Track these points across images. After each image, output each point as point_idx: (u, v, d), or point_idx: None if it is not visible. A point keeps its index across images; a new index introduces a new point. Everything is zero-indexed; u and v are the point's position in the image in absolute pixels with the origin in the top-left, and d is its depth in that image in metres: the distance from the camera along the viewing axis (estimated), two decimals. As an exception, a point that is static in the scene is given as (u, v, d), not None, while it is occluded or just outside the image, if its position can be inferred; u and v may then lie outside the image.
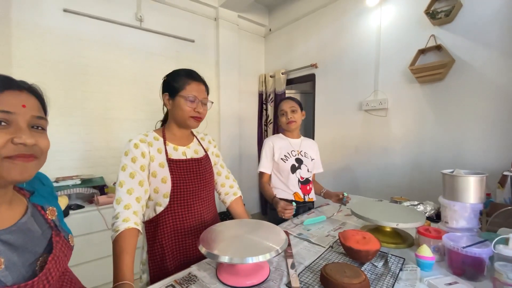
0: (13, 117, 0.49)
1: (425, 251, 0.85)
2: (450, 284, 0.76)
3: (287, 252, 0.96)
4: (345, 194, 1.40)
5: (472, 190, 0.94)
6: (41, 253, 0.58)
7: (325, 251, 0.98)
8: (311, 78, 2.97)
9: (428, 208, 1.33)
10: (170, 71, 1.01)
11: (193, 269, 0.86)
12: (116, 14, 2.30)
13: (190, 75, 0.99)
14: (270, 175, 1.56)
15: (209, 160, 1.10)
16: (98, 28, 2.21)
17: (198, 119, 0.99)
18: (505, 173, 0.86)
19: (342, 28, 2.57)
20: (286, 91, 3.29)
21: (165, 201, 0.93)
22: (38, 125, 0.54)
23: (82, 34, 2.14)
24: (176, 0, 2.67)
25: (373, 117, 2.35)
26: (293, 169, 1.51)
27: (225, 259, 0.72)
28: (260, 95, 3.54)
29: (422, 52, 1.97)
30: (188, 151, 1.03)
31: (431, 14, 1.88)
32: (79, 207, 1.90)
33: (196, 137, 1.13)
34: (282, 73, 3.19)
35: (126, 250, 0.78)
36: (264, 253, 0.73)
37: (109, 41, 2.28)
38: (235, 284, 0.77)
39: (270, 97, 3.40)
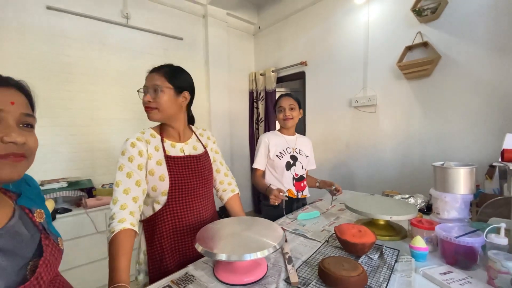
0: (1, 115, 0.47)
1: (419, 242, 0.87)
2: (444, 273, 0.78)
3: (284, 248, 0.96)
4: (333, 186, 1.42)
5: (462, 181, 0.96)
6: (31, 257, 0.55)
7: (321, 245, 0.99)
8: (301, 76, 2.98)
9: (419, 201, 1.36)
10: None
11: (190, 268, 0.85)
12: (102, 11, 2.22)
13: (151, 70, 0.97)
14: (264, 172, 1.55)
15: (208, 156, 1.07)
16: (82, 26, 2.14)
17: (149, 109, 0.91)
18: (494, 163, 0.89)
19: (331, 26, 2.60)
20: (277, 89, 3.30)
21: (163, 199, 0.92)
22: (27, 123, 0.51)
23: (66, 31, 2.06)
24: (163, -3, 2.61)
25: (362, 113, 2.38)
26: (288, 166, 1.51)
27: (222, 256, 0.70)
28: (251, 93, 3.52)
29: (409, 49, 2.01)
30: (186, 148, 1.01)
31: (418, 12, 1.93)
32: (66, 210, 1.83)
33: (194, 133, 1.10)
34: (272, 71, 3.19)
35: (122, 252, 0.75)
36: (261, 250, 0.72)
37: (95, 39, 2.21)
38: (233, 282, 0.76)
39: (261, 95, 3.39)
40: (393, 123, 2.19)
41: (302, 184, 1.54)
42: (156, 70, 0.95)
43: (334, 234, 0.98)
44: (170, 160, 0.93)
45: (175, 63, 1.03)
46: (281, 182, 1.49)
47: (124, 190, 0.83)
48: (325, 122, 2.73)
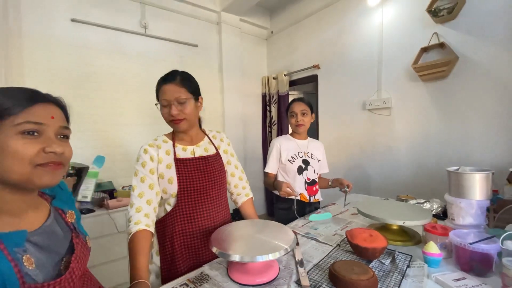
0: (43, 128, 0.53)
1: (432, 248, 0.86)
2: (457, 279, 0.77)
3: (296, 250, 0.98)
4: (346, 187, 1.44)
5: (478, 187, 0.94)
6: (64, 254, 0.61)
7: (332, 249, 1.00)
8: (313, 79, 2.98)
9: (434, 206, 1.34)
10: None
11: (205, 268, 0.89)
12: (122, 22, 2.35)
13: (163, 80, 0.97)
14: (276, 176, 1.58)
15: (220, 158, 1.07)
16: (104, 36, 2.27)
17: (177, 121, 0.94)
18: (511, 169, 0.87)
19: (344, 29, 2.59)
20: (289, 93, 3.31)
21: (173, 201, 0.96)
22: (64, 135, 0.58)
23: (89, 42, 2.20)
24: (179, 6, 2.72)
25: (377, 116, 2.35)
26: (300, 170, 1.53)
27: (236, 257, 0.74)
28: (264, 97, 3.56)
29: (425, 50, 1.97)
30: (197, 150, 1.03)
31: (433, 12, 1.89)
32: (90, 211, 1.94)
33: (207, 135, 1.12)
34: (285, 75, 3.22)
35: (139, 251, 0.81)
36: (273, 252, 0.75)
37: (115, 48, 2.33)
38: (246, 282, 0.79)
39: (274, 99, 3.42)
40: (409, 126, 2.15)
41: (314, 188, 1.55)
42: (172, 81, 0.95)
43: (346, 239, 0.99)
44: (179, 163, 0.96)
45: (190, 70, 1.08)
46: (293, 186, 1.51)
47: (139, 194, 0.90)
48: (338, 125, 2.71)
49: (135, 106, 2.45)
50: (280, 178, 1.56)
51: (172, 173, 0.94)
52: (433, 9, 1.89)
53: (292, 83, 3.29)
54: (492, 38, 1.70)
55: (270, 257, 0.75)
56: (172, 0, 2.66)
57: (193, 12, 2.83)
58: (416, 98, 2.08)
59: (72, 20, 2.11)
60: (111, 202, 1.97)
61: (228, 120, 3.12)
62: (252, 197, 1.21)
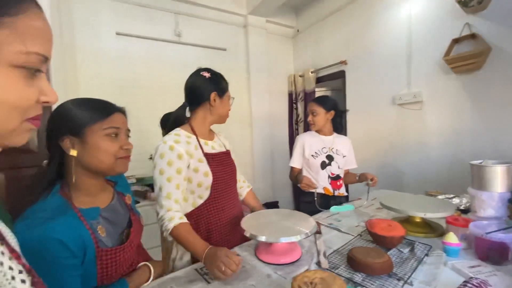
0: (119, 131, 0.73)
1: (451, 238, 0.90)
2: (473, 267, 0.81)
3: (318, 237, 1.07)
4: (370, 180, 1.47)
5: (499, 179, 0.95)
6: (124, 227, 0.79)
7: (353, 238, 1.07)
8: (341, 75, 2.98)
9: (464, 201, 1.32)
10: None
11: (235, 249, 1.02)
12: (158, 32, 2.59)
13: (226, 81, 1.13)
14: (301, 170, 1.66)
15: (230, 153, 1.18)
16: (143, 46, 2.52)
17: (228, 116, 1.14)
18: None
19: (370, 22, 2.56)
20: (316, 89, 3.34)
21: (206, 193, 1.01)
22: (128, 135, 0.77)
23: (131, 53, 2.47)
24: (208, 12, 2.89)
25: (407, 111, 2.30)
26: (323, 165, 1.59)
27: (262, 238, 0.86)
28: (290, 94, 3.62)
29: (456, 41, 1.90)
30: (215, 145, 1.11)
31: (463, 3, 1.81)
32: (136, 202, 2.20)
33: (214, 133, 1.20)
34: (311, 72, 3.25)
35: (188, 233, 0.89)
36: (295, 235, 0.86)
37: (153, 56, 2.58)
38: (272, 261, 0.91)
39: (300, 96, 3.47)
40: (441, 120, 2.08)
41: (338, 183, 1.61)
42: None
43: (366, 229, 1.05)
44: (209, 157, 1.03)
45: (221, 72, 1.17)
46: (316, 180, 1.58)
47: (167, 195, 0.92)
48: (367, 121, 2.69)
49: (173, 107, 2.66)
50: (304, 173, 1.64)
51: (205, 167, 1.00)
52: (463, 0, 1.81)
53: (319, 80, 3.31)
54: (531, 26, 1.59)
55: (292, 239, 0.85)
56: (202, 7, 2.84)
57: (221, 18, 2.99)
58: (448, 91, 2.01)
59: (117, 34, 2.39)
60: (153, 194, 2.22)
61: (256, 119, 3.25)
62: (251, 188, 1.33)
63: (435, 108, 2.12)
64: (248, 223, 0.98)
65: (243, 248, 1.03)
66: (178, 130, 1.03)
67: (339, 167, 1.62)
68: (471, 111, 1.89)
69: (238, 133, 3.16)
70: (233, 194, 1.13)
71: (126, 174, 2.71)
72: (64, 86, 2.09)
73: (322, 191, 1.58)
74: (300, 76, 3.43)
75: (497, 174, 0.95)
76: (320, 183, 1.58)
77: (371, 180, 1.46)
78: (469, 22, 1.82)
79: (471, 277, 0.68)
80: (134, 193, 2.42)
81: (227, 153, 1.14)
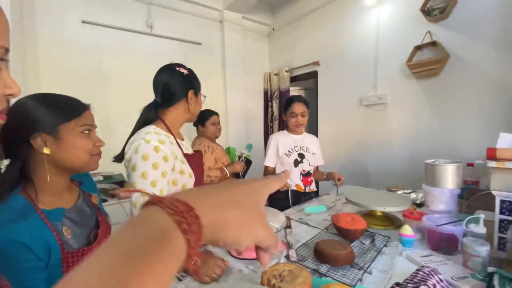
0: (92, 128, 0.72)
1: (407, 230, 0.99)
2: (425, 256, 0.90)
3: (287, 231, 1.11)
4: (337, 180, 1.57)
5: (450, 177, 1.06)
6: (92, 228, 0.76)
7: (320, 231, 1.13)
8: (313, 75, 3.07)
9: (419, 196, 1.45)
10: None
11: (208, 246, 1.03)
12: (129, 23, 2.46)
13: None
14: (274, 169, 1.70)
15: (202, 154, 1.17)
16: (113, 37, 2.39)
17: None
18: (476, 161, 0.97)
19: (343, 26, 2.67)
20: (290, 88, 3.41)
21: None
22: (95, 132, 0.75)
23: (99, 42, 2.32)
24: (183, 5, 2.81)
25: (373, 111, 2.45)
26: (296, 163, 1.65)
27: (234, 235, 0.87)
28: (265, 92, 3.66)
29: (418, 48, 2.05)
30: (187, 145, 1.08)
31: (427, 12, 1.96)
32: (103, 201, 2.10)
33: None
34: (286, 71, 3.31)
35: None
36: (266, 231, 0.88)
37: (123, 48, 2.46)
38: (243, 256, 0.93)
39: (275, 95, 3.52)
40: (403, 121, 2.24)
41: (309, 179, 1.68)
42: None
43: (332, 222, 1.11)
44: (189, 158, 1.00)
45: (194, 67, 1.13)
46: (290, 177, 1.64)
47: None
48: (337, 120, 2.81)
49: (143, 103, 2.57)
50: (278, 171, 1.69)
51: (188, 168, 0.96)
52: (426, 9, 1.96)
53: (293, 79, 3.38)
54: (482, 37, 1.77)
55: (263, 235, 0.88)
56: (177, -1, 2.76)
57: (196, 11, 2.93)
58: (409, 95, 2.17)
59: (83, 22, 2.24)
60: (122, 193, 2.13)
61: (231, 116, 3.24)
62: None
63: (397, 110, 2.28)
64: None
65: (215, 244, 1.04)
66: (155, 129, 0.93)
67: (309, 164, 1.69)
68: (429, 114, 2.07)
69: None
70: None
71: (92, 172, 2.58)
72: (23, 76, 1.92)
73: (295, 188, 1.64)
74: (275, 74, 3.47)
75: (447, 172, 1.06)
76: (293, 180, 1.63)
77: (338, 180, 1.55)
78: (430, 30, 1.98)
79: (423, 266, 0.76)
80: (101, 191, 2.31)
81: (200, 155, 1.12)
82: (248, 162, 1.99)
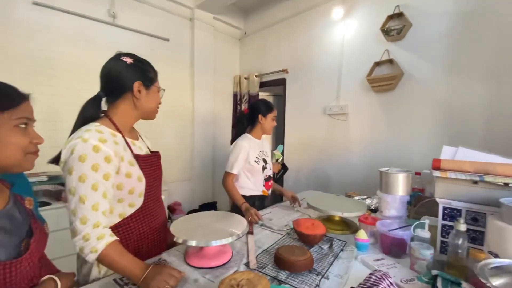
0: (30, 122, 0.63)
1: (362, 235, 1.03)
2: (378, 260, 0.94)
3: (249, 237, 1.09)
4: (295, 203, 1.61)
5: (400, 184, 1.14)
6: (24, 236, 0.65)
7: (282, 237, 1.13)
8: (282, 82, 3.14)
9: (374, 202, 1.54)
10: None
11: (163, 255, 0.96)
12: (88, 9, 2.26)
13: (154, 68, 0.95)
14: (236, 176, 1.60)
15: (160, 155, 1.05)
16: (69, 23, 2.17)
17: (158, 110, 0.97)
18: (423, 171, 1.07)
19: (311, 38, 2.77)
20: (260, 93, 3.44)
21: (139, 201, 0.88)
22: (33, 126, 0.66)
23: (51, 27, 2.09)
24: (151, -2, 2.68)
25: (335, 120, 2.57)
26: (263, 169, 1.63)
27: (192, 242, 0.83)
28: (235, 95, 3.64)
29: (377, 64, 2.21)
30: (142, 146, 0.97)
31: (386, 31, 2.13)
32: (46, 204, 1.87)
33: (137, 132, 1.04)
34: (256, 76, 3.33)
35: (121, 255, 0.75)
36: (226, 237, 0.85)
37: (80, 36, 2.25)
38: (201, 265, 0.88)
39: (244, 98, 3.52)
40: (361, 131, 2.39)
41: (270, 183, 1.69)
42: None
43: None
44: (140, 159, 0.89)
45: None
46: (256, 184, 1.61)
47: (92, 206, 0.74)
48: (302, 127, 2.90)
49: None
50: (243, 178, 1.60)
51: (137, 171, 0.86)
52: (385, 29, 2.13)
53: (263, 84, 3.42)
54: (432, 59, 1.97)
55: (224, 241, 0.85)
56: (144, -9, 2.62)
57: (166, 6, 2.81)
58: (368, 107, 2.32)
59: (34, 3, 2.00)
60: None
61: (198, 117, 3.15)
62: None
63: (357, 120, 2.42)
64: (178, 228, 0.93)
65: (171, 253, 0.98)
66: (98, 126, 0.81)
67: (270, 169, 1.69)
68: (385, 125, 2.23)
69: (178, 130, 3.02)
70: (161, 199, 1.03)
71: (35, 171, 2.30)
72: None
73: (261, 193, 1.63)
74: (245, 78, 3.47)
75: (398, 180, 1.14)
76: (258, 187, 1.61)
77: (295, 201, 1.61)
78: (388, 49, 2.14)
79: (375, 270, 0.79)
80: (45, 193, 2.06)
81: (157, 156, 1.01)
82: (284, 167, 2.03)
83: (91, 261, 0.75)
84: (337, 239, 1.09)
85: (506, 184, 0.86)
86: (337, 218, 1.26)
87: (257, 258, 0.94)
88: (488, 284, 0.60)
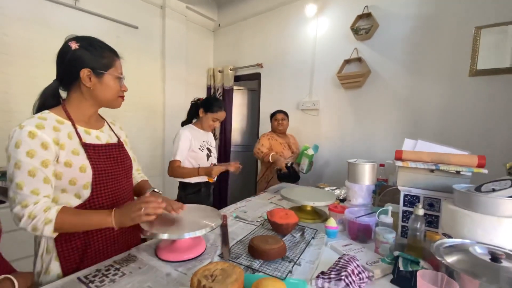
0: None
1: (331, 222, 1.08)
2: (346, 245, 0.99)
3: (223, 229, 1.09)
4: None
5: (366, 174, 1.21)
6: None
7: (256, 228, 1.14)
8: (257, 77, 3.14)
9: (342, 192, 1.62)
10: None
11: (133, 250, 0.92)
12: (45, -12, 2.06)
13: (115, 52, 0.88)
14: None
15: (124, 146, 1.00)
16: (24, 4, 1.96)
17: (123, 98, 0.91)
18: (387, 161, 1.15)
19: (285, 33, 2.80)
20: (234, 87, 3.41)
21: (85, 193, 0.81)
22: None
23: (4, 9, 1.87)
24: (118, -18, 2.51)
25: (307, 115, 2.65)
26: (207, 157, 1.70)
27: (164, 236, 0.80)
28: (209, 89, 3.57)
29: (347, 62, 2.31)
30: (102, 136, 0.91)
31: (355, 30, 2.23)
32: (0, 202, 1.69)
33: (105, 121, 1.00)
34: (230, 69, 3.29)
35: (78, 213, 0.76)
36: (200, 229, 0.84)
37: (38, 19, 2.03)
38: (174, 259, 0.86)
39: (219, 92, 3.46)
40: (331, 126, 2.49)
41: None
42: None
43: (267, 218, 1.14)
44: (90, 149, 0.83)
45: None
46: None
47: (32, 192, 0.71)
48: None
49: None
50: (187, 165, 1.65)
51: (82, 161, 0.80)
52: (355, 28, 2.22)
53: (237, 78, 3.39)
54: (395, 60, 2.10)
55: (197, 233, 0.83)
56: (110, -26, 2.44)
57: (134, -9, 2.65)
58: (338, 102, 2.42)
59: (-23, -23, 1.77)
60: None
61: (169, 109, 3.04)
62: (147, 179, 1.15)
63: (327, 115, 2.52)
64: (149, 222, 0.90)
65: (141, 248, 0.94)
66: (45, 113, 0.79)
67: (215, 157, 1.77)
68: (353, 120, 2.35)
69: (148, 122, 2.89)
70: (126, 192, 0.96)
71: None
72: None
73: (206, 180, 1.69)
74: (219, 71, 3.42)
75: (365, 170, 1.21)
76: None
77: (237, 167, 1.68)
78: (357, 47, 2.24)
79: (344, 254, 0.84)
80: (-4, 190, 1.85)
81: (117, 145, 0.94)
82: (310, 164, 2.23)
83: (50, 235, 0.72)
84: (308, 227, 1.13)
85: (458, 172, 0.96)
86: (308, 208, 1.30)
87: (230, 249, 0.94)
88: (443, 261, 0.67)
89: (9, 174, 0.72)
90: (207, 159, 1.69)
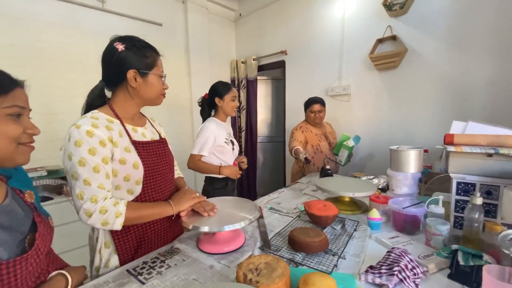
0: (23, 111, 0.58)
1: (374, 214, 1.02)
2: (392, 237, 0.93)
3: (260, 222, 1.08)
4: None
5: (412, 161, 1.12)
6: (27, 232, 0.62)
7: (293, 220, 1.11)
8: (281, 65, 3.05)
9: (381, 181, 1.53)
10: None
11: (175, 242, 0.94)
12: (75, -6, 2.14)
13: (155, 50, 0.92)
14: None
15: (167, 143, 1.03)
16: (56, 10, 2.06)
17: (164, 96, 0.95)
18: (437, 146, 1.04)
19: (310, 17, 2.67)
20: (258, 77, 3.35)
21: (137, 188, 0.85)
22: (29, 116, 0.62)
23: (38, 15, 1.98)
24: (140, -20, 2.54)
25: (338, 102, 2.52)
26: (233, 150, 1.67)
27: (205, 228, 0.81)
28: (232, 81, 3.55)
29: (380, 41, 2.14)
30: (146, 132, 0.94)
31: (388, 6, 2.05)
32: (47, 199, 1.84)
33: (146, 118, 1.03)
34: (254, 60, 3.23)
35: (144, 206, 0.84)
36: (239, 222, 0.83)
37: (69, 23, 2.14)
38: (215, 251, 0.86)
39: (242, 83, 3.43)
40: (365, 111, 2.35)
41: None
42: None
43: (304, 210, 1.10)
44: (139, 146, 0.86)
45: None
46: (229, 164, 1.64)
47: (98, 187, 0.75)
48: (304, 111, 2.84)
49: (92, 86, 2.30)
50: (214, 160, 1.60)
51: (134, 158, 0.84)
52: (388, 3, 2.04)
53: (261, 68, 3.33)
54: (435, 34, 1.91)
55: (236, 226, 0.82)
56: (133, -27, 2.48)
57: (156, -12, 2.67)
58: (371, 86, 2.27)
59: (16, -11, 1.88)
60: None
61: (196, 104, 3.07)
62: (182, 177, 1.19)
63: (360, 100, 2.37)
64: (189, 215, 0.91)
65: (183, 240, 0.96)
66: (95, 113, 0.82)
67: (237, 149, 1.74)
68: (389, 104, 2.19)
69: (177, 118, 2.96)
70: (170, 186, 0.99)
71: (33, 166, 2.24)
72: None
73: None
74: (242, 62, 3.38)
75: (410, 158, 1.12)
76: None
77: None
78: (391, 25, 2.07)
79: (393, 247, 0.78)
80: (45, 188, 2.02)
81: (162, 142, 0.98)
82: (349, 156, 2.11)
83: (118, 227, 0.77)
84: (348, 219, 1.08)
85: (522, 156, 0.84)
86: (346, 199, 1.24)
87: (270, 241, 0.92)
88: (511, 255, 0.59)
89: (73, 171, 0.74)
90: (232, 152, 1.67)
